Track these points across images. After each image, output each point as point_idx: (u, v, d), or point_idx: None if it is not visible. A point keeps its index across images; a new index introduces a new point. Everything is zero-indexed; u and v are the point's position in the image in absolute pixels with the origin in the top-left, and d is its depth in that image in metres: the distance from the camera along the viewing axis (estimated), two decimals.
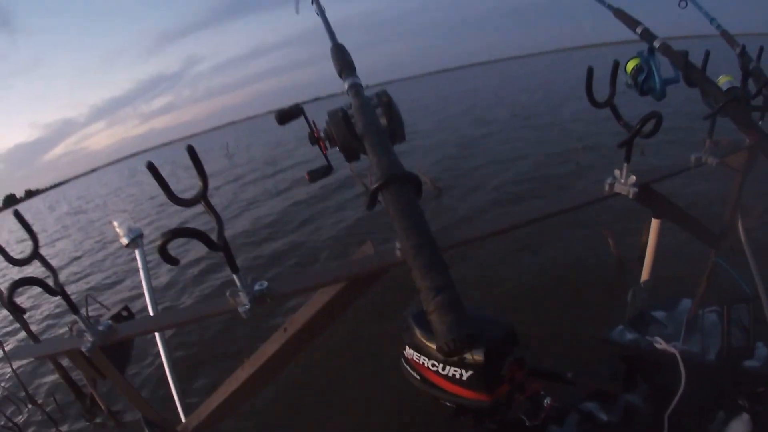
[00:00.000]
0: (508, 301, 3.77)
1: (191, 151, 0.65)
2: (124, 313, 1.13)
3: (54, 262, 0.88)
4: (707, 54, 1.18)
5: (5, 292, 0.77)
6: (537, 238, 4.68)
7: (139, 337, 1.14)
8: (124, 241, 1.39)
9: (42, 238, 0.86)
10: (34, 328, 5.03)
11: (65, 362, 3.84)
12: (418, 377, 1.38)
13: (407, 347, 1.39)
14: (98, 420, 3.58)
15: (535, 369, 1.45)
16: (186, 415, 1.32)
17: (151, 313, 1.40)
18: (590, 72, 0.84)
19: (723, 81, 1.26)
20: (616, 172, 1.04)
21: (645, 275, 1.62)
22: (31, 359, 4.41)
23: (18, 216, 0.82)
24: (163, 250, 0.64)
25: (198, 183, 0.69)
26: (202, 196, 0.70)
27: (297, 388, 3.06)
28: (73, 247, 11.74)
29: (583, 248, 4.36)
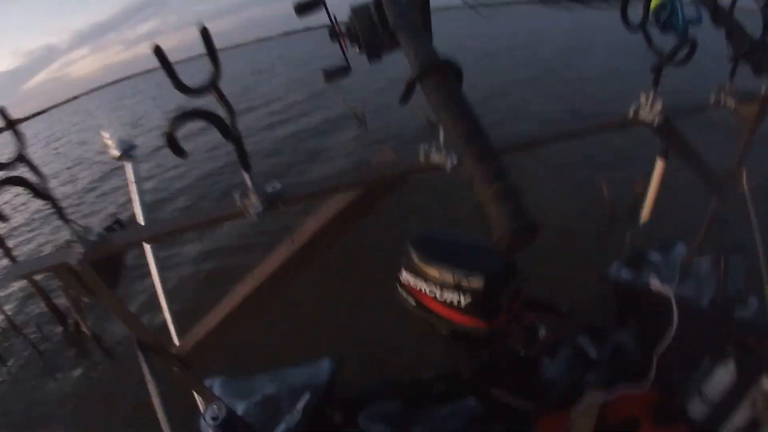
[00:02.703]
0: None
1: (204, 33, 0.58)
2: (116, 226, 1.07)
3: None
4: None
5: None
6: (537, 170, 4.71)
7: (131, 250, 1.09)
8: (115, 153, 1.30)
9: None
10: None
11: (47, 285, 3.80)
12: (414, 302, 1.37)
13: (403, 271, 1.37)
14: (83, 344, 3.59)
15: (531, 300, 1.47)
16: (180, 338, 1.29)
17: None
18: None
19: None
20: (642, 98, 1.00)
21: (645, 216, 1.62)
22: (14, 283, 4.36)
23: (1, 113, 0.74)
24: (170, 137, 0.58)
25: (210, 69, 0.62)
26: (213, 84, 0.64)
27: (288, 308, 3.08)
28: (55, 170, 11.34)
29: (582, 187, 4.41)
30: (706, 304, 1.47)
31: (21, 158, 0.75)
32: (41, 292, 3.72)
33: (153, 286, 1.43)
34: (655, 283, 1.54)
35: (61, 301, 3.79)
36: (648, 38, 0.94)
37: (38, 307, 4.03)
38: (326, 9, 0.72)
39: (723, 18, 1.20)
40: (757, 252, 1.38)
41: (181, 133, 0.61)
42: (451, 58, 0.52)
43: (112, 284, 1.06)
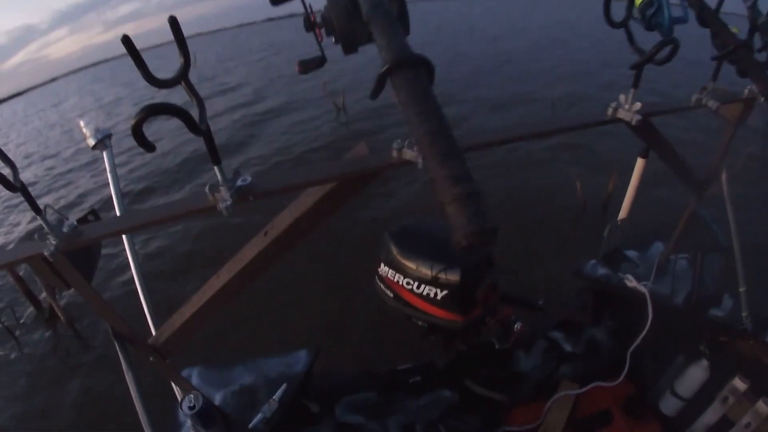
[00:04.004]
0: None
1: (173, 23, 0.57)
2: (91, 218, 1.05)
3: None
4: None
5: None
6: (514, 164, 4.79)
7: (106, 241, 1.07)
8: (91, 141, 1.27)
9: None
10: None
11: (23, 272, 3.73)
12: (392, 295, 1.38)
13: (382, 264, 1.38)
14: (58, 331, 3.56)
15: (507, 294, 1.49)
16: (156, 328, 1.28)
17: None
18: None
19: None
20: (621, 97, 1.01)
21: (623, 213, 1.65)
22: None
23: None
24: (137, 131, 0.57)
25: (178, 60, 0.61)
26: (182, 76, 0.62)
27: (265, 296, 3.09)
28: (30, 153, 11.09)
29: (559, 182, 4.45)
30: (680, 302, 1.50)
31: None
32: (18, 278, 3.66)
33: (129, 275, 1.41)
34: (630, 280, 1.57)
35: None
36: (630, 36, 0.94)
37: (13, 292, 3.97)
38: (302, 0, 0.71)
39: (709, 18, 1.21)
40: (733, 252, 1.40)
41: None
42: (423, 55, 0.51)
43: (88, 275, 1.05)
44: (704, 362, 1.45)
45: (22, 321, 3.76)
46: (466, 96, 8.38)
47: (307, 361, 1.48)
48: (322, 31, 0.71)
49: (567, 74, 9.42)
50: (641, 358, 1.53)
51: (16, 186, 0.73)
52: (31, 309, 3.77)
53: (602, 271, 1.63)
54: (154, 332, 1.28)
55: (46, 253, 0.80)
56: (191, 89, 0.65)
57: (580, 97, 7.74)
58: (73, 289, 0.97)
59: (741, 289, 1.36)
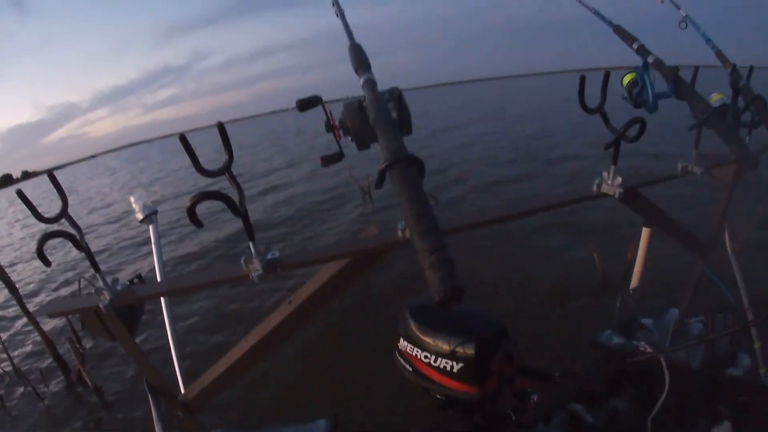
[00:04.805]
0: (495, 297, 3.85)
1: (221, 128, 0.72)
2: (136, 280, 1.19)
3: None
4: (696, 69, 1.26)
5: (37, 243, 0.83)
6: (525, 238, 4.81)
7: (149, 303, 1.20)
8: (140, 216, 1.45)
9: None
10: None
11: (51, 332, 3.87)
12: (411, 369, 1.42)
13: (401, 339, 1.43)
14: (83, 396, 3.61)
15: (523, 366, 1.50)
16: (186, 385, 1.37)
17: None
18: (582, 80, 0.92)
19: (716, 98, 1.34)
20: (604, 174, 1.11)
21: (634, 282, 1.68)
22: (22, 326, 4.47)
23: (51, 177, 0.88)
24: (191, 211, 0.70)
25: (223, 156, 0.75)
26: (227, 169, 0.77)
27: (290, 367, 3.11)
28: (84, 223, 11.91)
29: (572, 251, 4.46)
30: (697, 364, 1.49)
31: (64, 213, 0.88)
32: (48, 341, 3.81)
33: (165, 335, 1.52)
34: (645, 347, 1.57)
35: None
36: (606, 119, 1.01)
37: (44, 356, 4.11)
38: (323, 106, 0.86)
39: (685, 92, 1.31)
40: (743, 309, 1.41)
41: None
42: (414, 155, 0.65)
43: (131, 330, 1.17)
44: (726, 424, 1.41)
45: (48, 382, 3.86)
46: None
47: (326, 431, 1.51)
48: (340, 131, 0.86)
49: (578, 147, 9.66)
50: (663, 425, 1.50)
51: (83, 247, 0.88)
52: (59, 375, 3.88)
53: (617, 340, 1.64)
54: (182, 389, 1.37)
55: (101, 306, 0.94)
56: (233, 179, 0.79)
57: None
58: (114, 344, 1.09)
59: (756, 346, 1.35)
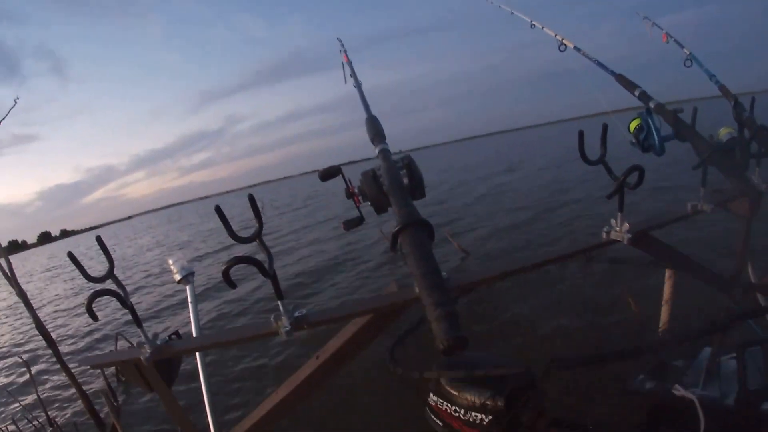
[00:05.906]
0: (524, 346, 3.73)
1: (252, 199, 0.81)
2: (174, 337, 1.28)
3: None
4: (695, 111, 1.30)
5: (87, 300, 0.91)
6: (552, 284, 4.68)
7: (185, 357, 1.27)
8: (177, 277, 1.56)
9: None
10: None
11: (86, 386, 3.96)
12: (441, 424, 1.42)
13: (431, 394, 1.44)
14: None
15: (555, 418, 1.48)
16: None
17: None
18: (581, 135, 0.97)
19: (724, 132, 1.37)
20: (612, 221, 1.13)
21: (663, 325, 1.66)
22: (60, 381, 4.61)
23: (99, 240, 0.99)
24: (226, 274, 0.79)
25: (255, 223, 0.84)
26: (258, 236, 0.86)
27: (322, 418, 3.10)
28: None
29: (599, 293, 4.32)
30: (731, 402, 1.44)
31: (110, 274, 0.98)
32: (84, 395, 3.87)
33: (198, 388, 1.58)
34: (678, 390, 1.53)
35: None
36: (608, 170, 1.04)
37: (78, 409, 4.22)
38: (343, 176, 0.95)
39: (685, 133, 1.35)
40: None
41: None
42: (425, 219, 0.72)
43: (169, 382, 1.24)
44: None
45: None
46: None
47: None
48: (360, 198, 0.94)
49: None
50: None
51: (128, 304, 0.97)
52: (94, 429, 3.93)
53: (650, 384, 1.61)
54: None
55: (141, 358, 1.02)
56: (263, 245, 0.88)
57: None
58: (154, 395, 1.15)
59: None
